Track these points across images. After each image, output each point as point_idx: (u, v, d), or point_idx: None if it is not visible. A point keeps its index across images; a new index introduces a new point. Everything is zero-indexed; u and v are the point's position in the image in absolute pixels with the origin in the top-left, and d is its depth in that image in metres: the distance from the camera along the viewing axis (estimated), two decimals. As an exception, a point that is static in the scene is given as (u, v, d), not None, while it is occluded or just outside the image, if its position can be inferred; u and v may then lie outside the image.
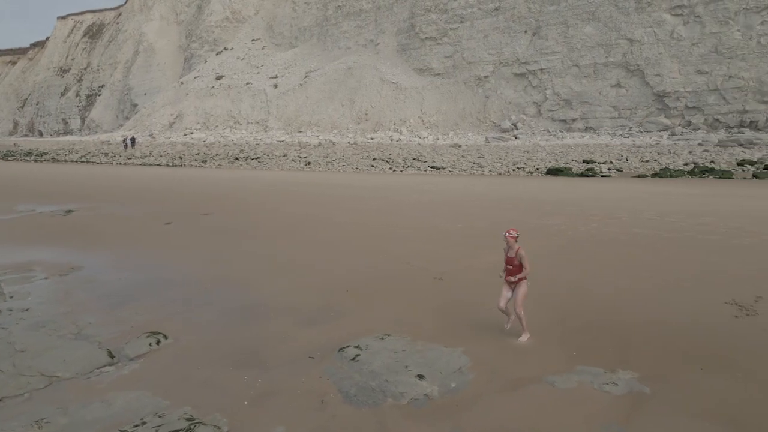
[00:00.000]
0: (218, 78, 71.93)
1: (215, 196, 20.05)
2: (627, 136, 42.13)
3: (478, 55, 52.54)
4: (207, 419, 5.03)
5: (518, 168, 29.99)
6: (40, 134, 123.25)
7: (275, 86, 64.16)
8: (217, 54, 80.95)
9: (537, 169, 29.42)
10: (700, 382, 5.48)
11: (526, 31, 50.06)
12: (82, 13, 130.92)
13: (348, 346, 6.49)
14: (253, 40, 78.55)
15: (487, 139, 45.73)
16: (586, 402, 5.17)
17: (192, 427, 4.86)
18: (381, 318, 7.51)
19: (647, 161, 30.45)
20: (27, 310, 8.15)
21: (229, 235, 13.04)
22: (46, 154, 55.90)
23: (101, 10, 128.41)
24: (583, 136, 44.23)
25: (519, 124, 47.17)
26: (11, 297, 8.78)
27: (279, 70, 67.65)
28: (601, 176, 26.23)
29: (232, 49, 79.18)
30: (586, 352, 6.24)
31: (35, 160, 49.42)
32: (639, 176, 25.58)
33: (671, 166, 28.01)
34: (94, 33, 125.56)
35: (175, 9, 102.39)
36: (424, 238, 12.08)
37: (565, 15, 47.99)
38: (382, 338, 6.73)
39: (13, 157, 53.95)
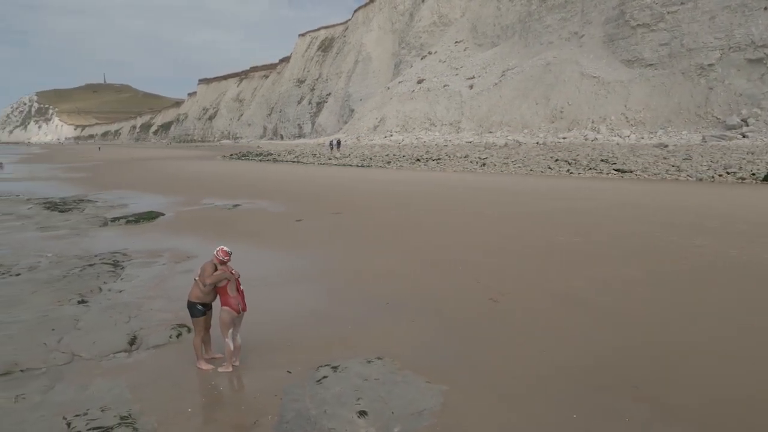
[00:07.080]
0: (419, 82, 74.54)
1: (361, 196, 20.74)
2: None
3: (701, 39, 44.81)
4: (138, 422, 5.10)
5: (728, 173, 24.83)
6: (281, 138, 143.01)
7: (471, 87, 63.92)
8: (422, 58, 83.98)
9: (753, 174, 23.96)
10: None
11: (766, 8, 41.04)
12: (317, 30, 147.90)
13: (326, 365, 6.05)
14: (456, 42, 79.49)
15: (704, 137, 38.84)
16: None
17: (114, 427, 4.98)
18: (400, 338, 6.86)
19: None
20: (121, 291, 9.32)
21: (336, 234, 13.32)
22: (270, 155, 64.46)
23: (333, 26, 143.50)
24: (843, 133, 34.70)
25: (751, 120, 38.95)
26: (122, 279, 10.18)
27: (477, 70, 67.22)
28: (844, 185, 20.25)
29: (435, 52, 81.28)
30: (589, 413, 4.80)
31: (260, 161, 57.34)
32: None
33: None
34: (325, 47, 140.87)
35: (390, 18, 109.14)
36: (516, 253, 10.73)
37: (826, -19, 38.16)
38: (369, 362, 6.12)
39: (246, 158, 63.43)
